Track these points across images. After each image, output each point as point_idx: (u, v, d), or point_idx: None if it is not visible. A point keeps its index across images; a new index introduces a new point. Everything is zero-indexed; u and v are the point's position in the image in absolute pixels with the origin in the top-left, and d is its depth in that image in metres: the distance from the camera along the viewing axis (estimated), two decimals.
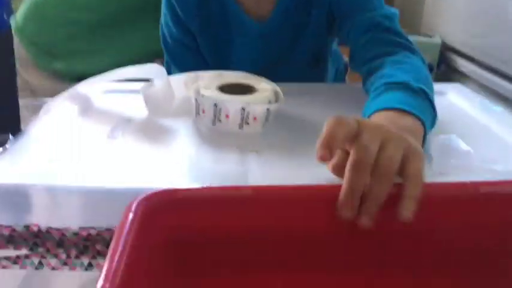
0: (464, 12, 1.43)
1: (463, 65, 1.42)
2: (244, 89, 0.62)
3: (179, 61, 0.82)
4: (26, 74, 1.11)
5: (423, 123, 0.48)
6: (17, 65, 1.11)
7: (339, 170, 0.39)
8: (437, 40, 1.51)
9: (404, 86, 0.53)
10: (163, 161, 0.50)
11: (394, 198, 0.37)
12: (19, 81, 1.07)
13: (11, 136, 0.51)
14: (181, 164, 0.50)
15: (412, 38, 1.49)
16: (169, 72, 0.81)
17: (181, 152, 0.53)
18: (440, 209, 0.39)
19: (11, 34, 0.50)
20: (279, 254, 0.39)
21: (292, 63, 0.80)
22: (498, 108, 0.63)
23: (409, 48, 0.64)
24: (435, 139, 0.53)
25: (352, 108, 0.65)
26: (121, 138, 0.55)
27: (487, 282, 0.41)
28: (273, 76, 0.66)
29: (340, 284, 0.40)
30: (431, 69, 1.49)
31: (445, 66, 1.53)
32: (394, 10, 0.70)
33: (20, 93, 1.09)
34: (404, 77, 0.55)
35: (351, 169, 0.36)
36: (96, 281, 0.28)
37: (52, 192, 0.41)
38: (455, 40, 1.48)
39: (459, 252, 0.41)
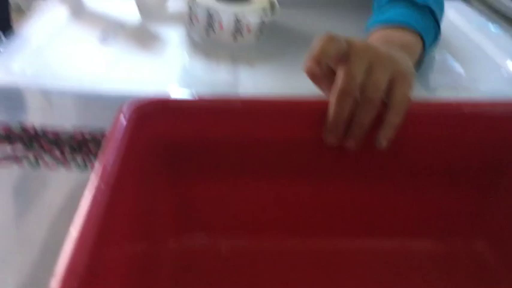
0: None
1: None
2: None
3: None
4: None
5: (422, 39, 0.48)
6: None
7: (318, 81, 0.39)
8: None
9: (408, 2, 0.52)
10: (154, 68, 0.50)
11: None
12: None
13: (3, 36, 0.51)
14: (173, 71, 0.51)
15: None
16: None
17: (173, 59, 0.53)
18: (424, 126, 0.41)
19: None
20: (265, 162, 0.41)
21: None
22: (496, 29, 0.63)
23: None
24: (429, 56, 0.54)
25: (349, 21, 0.64)
26: (113, 43, 0.55)
27: (466, 196, 0.44)
28: None
29: (322, 189, 0.43)
30: None
31: None
32: None
33: None
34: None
35: (337, 96, 0.37)
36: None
37: (46, 94, 0.42)
38: None
39: (440, 168, 0.43)
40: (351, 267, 0.43)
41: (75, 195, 0.46)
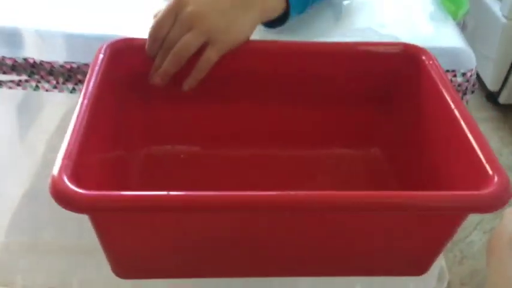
0: None
1: None
2: None
3: None
4: None
5: None
6: None
7: None
8: None
9: None
10: (131, 10, 0.62)
11: None
12: None
13: None
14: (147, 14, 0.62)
15: None
16: None
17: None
18: (331, 61, 0.54)
19: None
20: (210, 88, 0.55)
21: None
22: None
23: None
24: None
25: None
26: None
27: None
28: None
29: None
30: None
31: None
32: None
33: None
34: None
35: (148, 37, 0.49)
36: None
37: (42, 34, 0.55)
38: None
39: (346, 94, 0.57)
40: (278, 169, 0.58)
41: (66, 113, 0.60)
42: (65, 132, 0.41)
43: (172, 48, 0.49)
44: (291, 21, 0.57)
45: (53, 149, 0.59)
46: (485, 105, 1.43)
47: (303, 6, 0.57)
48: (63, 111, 0.59)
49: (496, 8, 1.12)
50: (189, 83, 0.51)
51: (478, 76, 1.17)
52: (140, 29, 0.52)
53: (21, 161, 0.68)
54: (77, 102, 0.44)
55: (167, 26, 0.48)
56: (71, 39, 0.55)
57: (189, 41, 0.48)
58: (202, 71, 0.50)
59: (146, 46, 0.51)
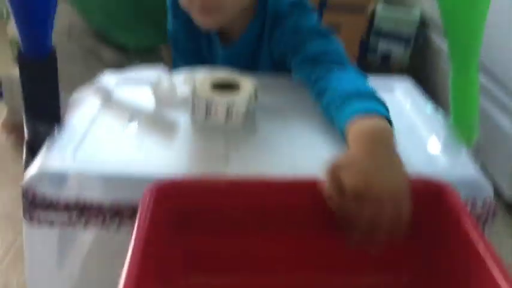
0: None
1: (436, 42, 1.58)
2: (232, 86, 0.80)
3: (180, 50, 1.01)
4: (95, 45, 1.28)
5: (388, 120, 0.60)
6: (87, 38, 1.29)
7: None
8: (416, 14, 1.65)
9: (359, 96, 0.65)
10: (167, 149, 0.68)
11: None
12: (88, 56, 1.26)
13: (56, 128, 0.70)
14: (181, 151, 0.69)
15: (394, 11, 1.63)
16: (174, 62, 1.02)
17: (181, 140, 0.71)
18: None
19: (55, 58, 0.67)
20: (251, 225, 0.59)
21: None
22: (430, 108, 0.81)
23: (347, 67, 0.77)
24: None
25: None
26: (136, 128, 0.73)
27: None
28: None
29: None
30: (408, 41, 1.64)
31: (423, 41, 1.68)
32: (331, 47, 0.81)
33: (89, 62, 1.29)
34: (351, 88, 0.69)
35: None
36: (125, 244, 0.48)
37: (91, 176, 0.61)
38: (434, 15, 1.61)
39: None
40: None
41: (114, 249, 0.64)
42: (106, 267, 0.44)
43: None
44: None
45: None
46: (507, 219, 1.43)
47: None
48: (108, 248, 0.63)
49: (507, 124, 1.18)
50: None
51: (496, 190, 1.20)
52: (183, 167, 0.57)
53: None
54: (121, 240, 0.48)
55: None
56: (118, 180, 0.61)
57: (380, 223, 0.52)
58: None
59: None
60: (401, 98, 0.85)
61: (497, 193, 1.22)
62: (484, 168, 0.65)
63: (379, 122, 0.60)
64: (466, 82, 0.73)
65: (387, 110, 0.64)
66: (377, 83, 0.88)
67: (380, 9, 1.67)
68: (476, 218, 0.62)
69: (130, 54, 1.37)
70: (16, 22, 0.62)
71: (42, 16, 0.61)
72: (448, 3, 0.68)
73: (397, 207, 0.52)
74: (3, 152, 1.43)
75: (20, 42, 0.64)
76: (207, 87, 0.78)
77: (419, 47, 1.68)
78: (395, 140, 0.58)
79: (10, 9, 0.61)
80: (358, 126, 0.60)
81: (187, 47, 0.99)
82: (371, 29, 1.67)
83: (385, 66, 1.67)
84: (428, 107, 0.82)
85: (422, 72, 1.67)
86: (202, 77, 0.83)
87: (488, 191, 0.63)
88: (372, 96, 0.66)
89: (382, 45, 1.65)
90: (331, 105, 0.70)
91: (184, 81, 0.82)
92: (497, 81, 1.23)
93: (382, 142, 0.57)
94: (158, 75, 0.81)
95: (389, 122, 0.61)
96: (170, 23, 0.99)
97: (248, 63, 0.94)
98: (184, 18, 0.94)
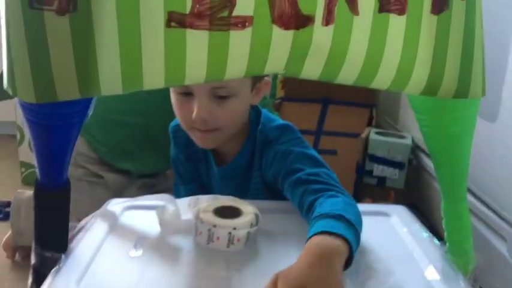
0: None
1: (429, 165, 1.65)
2: (234, 211, 0.83)
3: (183, 176, 1.06)
4: (100, 171, 1.34)
5: (348, 241, 0.64)
6: (92, 165, 1.34)
7: None
8: (408, 141, 1.74)
9: (325, 216, 0.70)
10: (170, 275, 0.70)
11: None
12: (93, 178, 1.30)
13: (62, 255, 0.72)
14: (184, 276, 0.70)
15: (386, 139, 1.71)
16: (175, 186, 1.06)
17: (184, 265, 0.73)
18: None
19: (69, 188, 0.71)
20: None
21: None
22: (425, 235, 0.84)
23: (335, 190, 0.79)
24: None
25: None
26: (140, 255, 0.75)
27: None
28: None
29: None
30: (402, 166, 1.71)
31: (417, 163, 1.75)
32: (320, 170, 0.84)
33: (94, 188, 1.33)
34: (327, 209, 0.71)
35: None
36: None
37: None
38: (423, 141, 1.70)
39: None
40: None
41: None
42: None
43: None
44: None
45: None
46: None
47: (358, 244, 0.70)
48: None
49: (503, 249, 1.20)
50: None
51: None
52: None
53: None
54: None
55: None
56: None
57: None
58: None
59: None
60: (397, 225, 0.88)
61: None
62: None
63: (332, 241, 0.64)
64: (457, 212, 0.76)
65: (354, 233, 0.68)
66: (373, 210, 0.93)
67: (373, 136, 1.77)
68: None
69: (133, 178, 1.42)
70: (36, 156, 0.67)
71: (61, 154, 0.66)
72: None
73: None
74: (2, 274, 1.41)
75: (37, 172, 0.69)
76: (210, 212, 0.82)
77: (413, 170, 1.74)
78: (342, 260, 0.64)
79: (32, 143, 0.66)
80: (312, 242, 0.65)
81: (187, 170, 1.04)
82: (366, 153, 1.75)
83: (382, 188, 1.72)
84: (424, 235, 0.84)
85: (417, 194, 1.72)
86: (206, 203, 0.86)
87: None
88: (341, 218, 0.69)
89: (377, 169, 1.72)
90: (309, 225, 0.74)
91: (188, 207, 0.86)
92: (491, 207, 1.27)
93: (326, 257, 0.61)
94: (163, 201, 0.85)
95: (350, 244, 0.65)
96: (172, 149, 1.06)
97: (240, 183, 0.98)
98: (184, 143, 1.00)
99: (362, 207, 0.95)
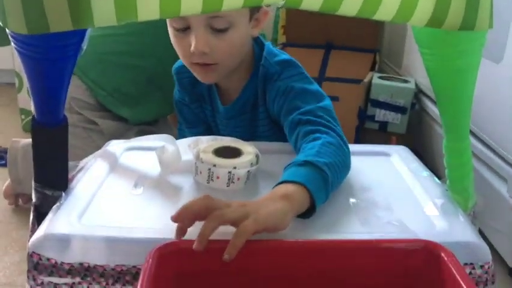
0: None
1: (432, 109, 1.63)
2: (234, 152, 0.83)
3: (189, 120, 1.06)
4: (96, 117, 1.31)
5: (308, 189, 0.65)
6: (88, 111, 1.31)
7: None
8: (411, 86, 1.72)
9: (300, 163, 0.70)
10: (170, 214, 0.70)
11: None
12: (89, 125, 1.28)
13: (63, 193, 0.72)
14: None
15: (389, 83, 1.69)
16: (180, 129, 1.06)
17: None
18: (353, 258, 0.60)
19: (67, 126, 0.70)
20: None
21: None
22: (426, 174, 0.84)
23: (321, 131, 0.78)
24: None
25: None
26: (140, 193, 0.75)
27: None
28: None
29: None
30: (404, 110, 1.69)
31: (419, 108, 1.74)
32: (314, 106, 0.84)
33: (90, 134, 1.30)
34: (300, 157, 0.72)
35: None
36: None
37: (95, 240, 0.62)
38: (427, 86, 1.68)
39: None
40: None
41: None
42: None
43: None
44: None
45: None
46: (510, 283, 1.42)
47: (325, 196, 0.70)
48: None
49: (504, 190, 1.20)
50: (229, 253, 0.56)
51: (497, 254, 1.20)
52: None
53: None
54: None
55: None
56: (121, 244, 0.63)
57: (230, 216, 0.60)
58: (239, 238, 0.57)
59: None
60: (398, 164, 0.88)
61: (497, 258, 1.22)
62: (483, 233, 0.67)
63: (291, 189, 0.66)
64: (459, 149, 0.75)
65: (321, 178, 0.68)
66: (374, 150, 0.93)
67: (376, 80, 1.74)
68: (475, 282, 0.63)
69: (130, 126, 1.40)
70: (32, 93, 0.66)
71: (57, 89, 0.65)
72: (439, 79, 0.72)
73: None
74: (6, 218, 1.43)
75: (34, 110, 0.68)
76: (210, 153, 0.81)
77: (415, 115, 1.73)
78: (295, 205, 0.64)
79: (27, 81, 0.65)
80: (273, 190, 0.67)
81: (192, 113, 1.04)
82: (368, 98, 1.73)
83: (383, 133, 1.72)
84: (424, 173, 0.84)
85: (419, 138, 1.71)
86: (206, 143, 0.86)
87: (487, 255, 0.64)
88: (308, 165, 0.69)
89: (379, 114, 1.70)
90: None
91: (188, 148, 0.86)
92: (493, 148, 1.27)
93: (281, 199, 0.64)
94: (163, 142, 0.84)
95: (310, 192, 0.66)
96: (176, 91, 1.04)
97: (248, 121, 0.98)
98: (188, 83, 0.99)
99: (363, 147, 0.96)
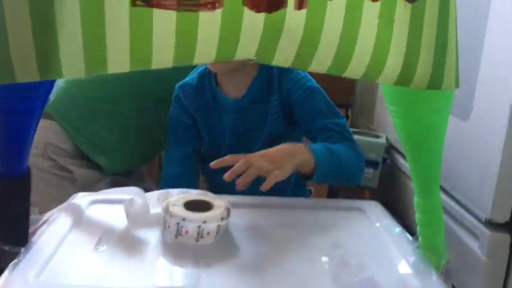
0: None
1: (403, 164, 1.65)
2: (204, 205, 0.81)
3: (180, 138, 1.09)
4: (70, 165, 1.27)
5: (314, 155, 0.89)
6: (63, 158, 1.27)
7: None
8: (383, 141, 1.74)
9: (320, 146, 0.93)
10: (136, 269, 0.67)
11: None
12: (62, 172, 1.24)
13: (22, 249, 0.68)
14: (150, 270, 0.67)
15: (361, 138, 1.71)
16: (168, 150, 1.12)
17: (151, 259, 0.70)
18: None
19: (29, 178, 0.68)
20: None
21: (259, 141, 1.04)
22: (398, 230, 0.83)
23: (349, 143, 0.99)
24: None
25: (292, 223, 0.83)
26: (104, 249, 0.72)
27: None
28: (244, 151, 0.92)
29: None
30: (376, 165, 1.71)
31: (391, 162, 1.76)
32: (343, 121, 1.04)
33: (62, 182, 1.25)
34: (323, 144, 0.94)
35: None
36: None
37: None
38: (398, 141, 1.71)
39: None
40: None
41: None
42: None
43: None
44: None
45: None
46: None
47: (328, 165, 0.91)
48: None
49: (475, 247, 1.20)
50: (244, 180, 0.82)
51: None
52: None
53: None
54: None
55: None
56: None
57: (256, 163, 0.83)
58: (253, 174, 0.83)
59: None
60: (370, 220, 0.87)
61: None
62: None
63: (300, 148, 0.91)
64: (430, 206, 0.75)
65: (327, 153, 0.92)
66: (346, 206, 0.92)
67: None
68: None
69: (104, 176, 1.36)
70: None
71: (22, 140, 0.63)
72: (408, 136, 0.73)
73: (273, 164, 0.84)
74: None
75: None
76: (179, 206, 0.79)
77: (387, 169, 1.75)
78: (298, 159, 0.88)
79: None
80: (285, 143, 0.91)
81: (187, 128, 1.08)
82: None
83: (356, 188, 1.72)
84: (397, 229, 0.83)
85: (391, 193, 1.72)
86: (176, 196, 0.84)
87: None
88: (326, 147, 0.94)
89: None
90: None
91: (157, 201, 0.83)
92: (464, 205, 1.28)
93: (288, 151, 0.88)
94: (132, 195, 0.82)
95: (316, 159, 0.89)
96: (173, 109, 1.09)
97: (259, 111, 1.03)
98: (194, 94, 1.05)
99: (335, 202, 0.95)
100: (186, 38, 0.55)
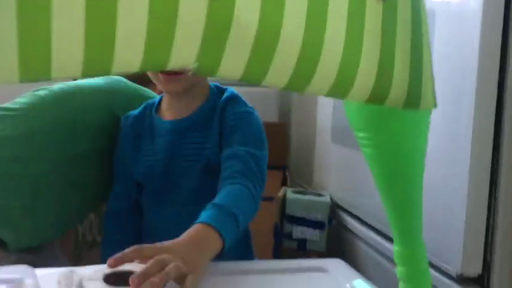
0: (348, 175, 1.59)
1: (350, 223, 1.53)
2: (128, 276, 0.62)
3: (116, 172, 1.03)
4: None
5: (220, 234, 0.73)
6: None
7: None
8: (327, 199, 1.63)
9: (217, 207, 0.78)
10: None
11: None
12: None
13: None
14: None
15: (305, 197, 1.59)
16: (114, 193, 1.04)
17: None
18: None
19: None
20: None
21: (193, 171, 0.96)
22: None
23: (252, 180, 0.86)
24: None
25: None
26: None
27: None
28: (179, 182, 0.93)
29: None
30: (322, 225, 1.58)
31: (337, 223, 1.64)
32: (263, 154, 0.92)
33: None
34: (221, 198, 0.81)
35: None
36: None
37: None
38: (342, 199, 1.61)
39: None
40: None
41: None
42: None
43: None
44: None
45: None
46: None
47: (232, 233, 0.77)
48: None
49: None
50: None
51: None
52: None
53: None
54: None
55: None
56: None
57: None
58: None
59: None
60: (337, 280, 0.72)
61: None
62: None
63: (210, 234, 0.75)
64: (412, 256, 0.62)
65: (235, 226, 0.78)
66: (309, 266, 0.77)
67: (290, 195, 1.64)
68: None
69: (8, 253, 1.13)
70: None
71: None
72: (380, 166, 0.61)
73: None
74: None
75: None
76: (97, 280, 0.61)
77: (334, 231, 1.62)
78: (212, 253, 0.74)
79: None
80: (196, 227, 0.75)
81: (122, 165, 1.01)
82: (284, 215, 1.60)
83: (303, 252, 1.57)
84: (368, 286, 0.69)
85: (341, 256, 1.58)
86: (92, 270, 0.65)
87: None
88: (224, 211, 0.79)
89: (297, 231, 1.58)
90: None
91: (58, 283, 0.64)
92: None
93: (200, 246, 0.73)
94: (20, 275, 0.62)
95: (224, 240, 0.75)
96: (120, 142, 1.03)
97: (197, 140, 0.96)
98: (132, 121, 1.02)
99: (296, 263, 0.80)
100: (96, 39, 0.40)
